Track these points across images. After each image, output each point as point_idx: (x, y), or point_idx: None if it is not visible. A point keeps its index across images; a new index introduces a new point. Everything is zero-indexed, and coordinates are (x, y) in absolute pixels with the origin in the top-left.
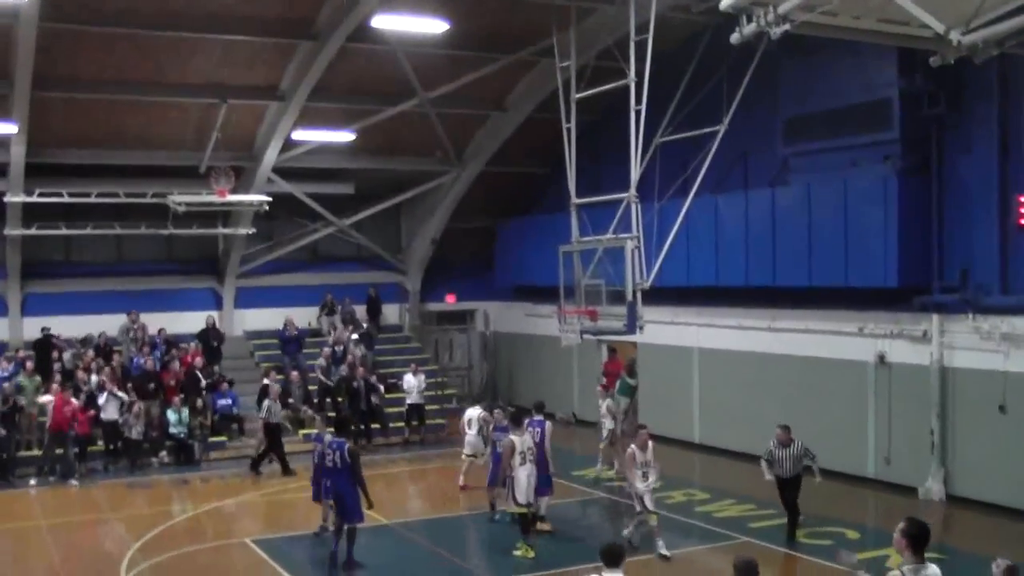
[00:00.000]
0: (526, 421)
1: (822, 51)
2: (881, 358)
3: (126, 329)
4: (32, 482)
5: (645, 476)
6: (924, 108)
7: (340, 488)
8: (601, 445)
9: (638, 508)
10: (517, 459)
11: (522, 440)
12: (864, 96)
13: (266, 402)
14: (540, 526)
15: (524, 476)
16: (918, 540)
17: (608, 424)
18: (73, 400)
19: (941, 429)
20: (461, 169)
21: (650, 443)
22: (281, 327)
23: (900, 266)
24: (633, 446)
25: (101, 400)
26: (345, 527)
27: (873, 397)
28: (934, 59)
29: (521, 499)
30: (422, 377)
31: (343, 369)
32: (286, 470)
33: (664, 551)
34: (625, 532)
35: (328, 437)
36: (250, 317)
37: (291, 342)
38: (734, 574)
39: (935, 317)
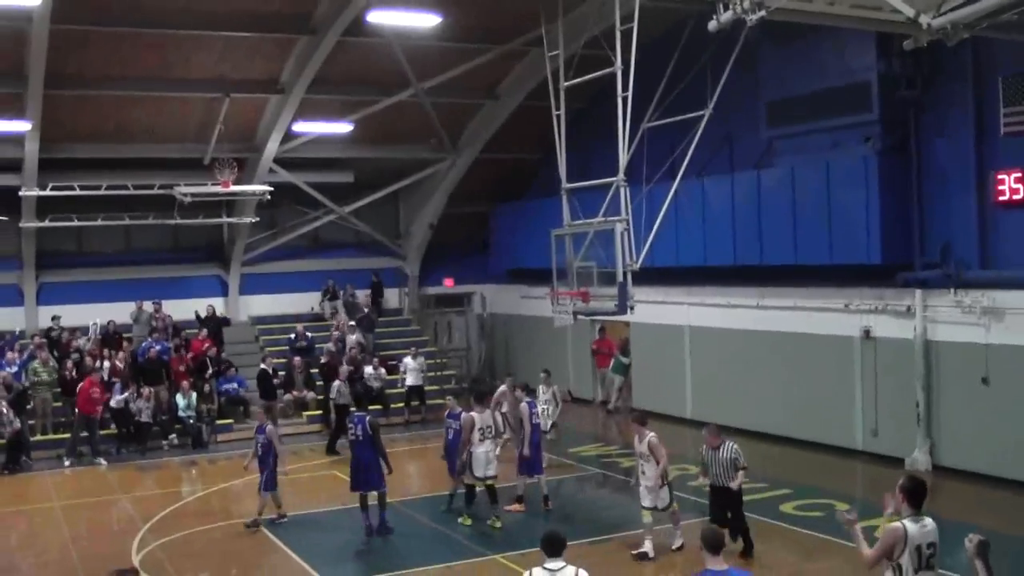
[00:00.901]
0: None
1: (803, 36)
2: (866, 333)
3: (149, 318)
4: (66, 463)
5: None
6: (902, 90)
7: (364, 459)
8: (549, 436)
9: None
10: (476, 435)
11: (482, 417)
12: (844, 79)
13: (336, 383)
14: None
15: (483, 452)
16: (913, 494)
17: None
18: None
19: (926, 401)
20: (456, 156)
21: (647, 435)
22: (292, 336)
23: (883, 243)
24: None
25: (117, 393)
26: (378, 494)
27: (859, 371)
28: (908, 42)
29: (479, 473)
30: (421, 359)
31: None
32: (331, 449)
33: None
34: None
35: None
36: (255, 303)
37: (301, 351)
38: (702, 544)
39: (918, 292)
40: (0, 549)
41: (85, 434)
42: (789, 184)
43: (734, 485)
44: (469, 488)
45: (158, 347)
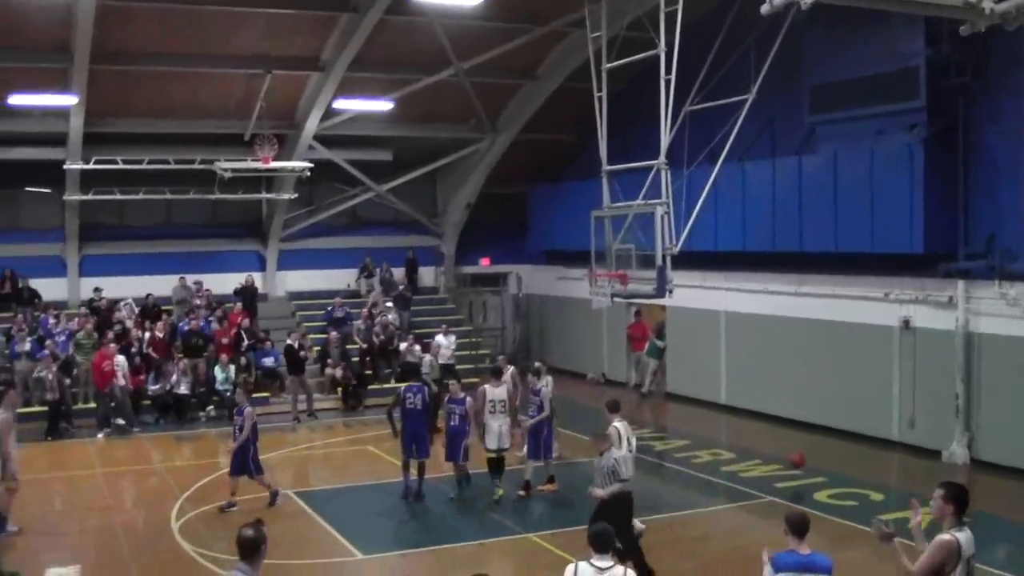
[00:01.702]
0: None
1: (849, 20)
2: (906, 323)
3: (193, 294)
4: (99, 436)
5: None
6: (951, 76)
7: (417, 428)
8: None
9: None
10: (488, 408)
11: (496, 391)
12: (891, 65)
13: (427, 358)
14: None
15: (496, 425)
16: (960, 501)
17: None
18: (119, 356)
19: (966, 393)
20: (495, 136)
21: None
22: (328, 308)
23: (925, 233)
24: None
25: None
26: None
27: (898, 361)
28: (964, 28)
29: (491, 445)
30: (452, 338)
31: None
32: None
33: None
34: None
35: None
36: (292, 279)
37: (338, 322)
38: (786, 526)
39: (960, 283)
40: (43, 514)
41: (112, 404)
42: (831, 170)
43: (602, 493)
44: (490, 461)
45: (199, 322)
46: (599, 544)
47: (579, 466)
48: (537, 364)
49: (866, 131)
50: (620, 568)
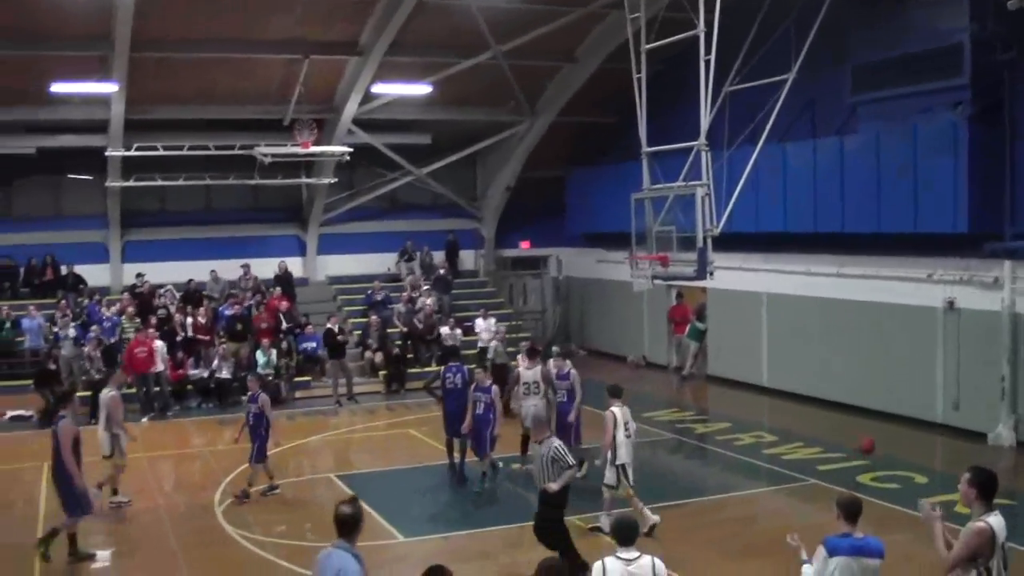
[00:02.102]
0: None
1: None
2: (950, 304)
3: (239, 279)
4: (143, 420)
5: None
6: (995, 53)
7: (458, 407)
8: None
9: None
10: (522, 389)
11: (530, 372)
12: (934, 42)
13: (493, 343)
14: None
15: (530, 405)
16: (986, 487)
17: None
18: (157, 342)
19: (1012, 376)
20: (533, 119)
21: (609, 408)
22: (368, 291)
23: (970, 212)
24: (614, 408)
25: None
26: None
27: (942, 343)
28: (1011, 2)
29: (527, 423)
30: (492, 320)
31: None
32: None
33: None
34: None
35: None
36: (332, 263)
37: (378, 305)
38: (837, 509)
39: (1007, 263)
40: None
41: (156, 389)
42: (873, 150)
43: (553, 486)
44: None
45: (240, 307)
46: (623, 536)
47: None
48: (555, 348)
49: (909, 110)
50: (647, 558)
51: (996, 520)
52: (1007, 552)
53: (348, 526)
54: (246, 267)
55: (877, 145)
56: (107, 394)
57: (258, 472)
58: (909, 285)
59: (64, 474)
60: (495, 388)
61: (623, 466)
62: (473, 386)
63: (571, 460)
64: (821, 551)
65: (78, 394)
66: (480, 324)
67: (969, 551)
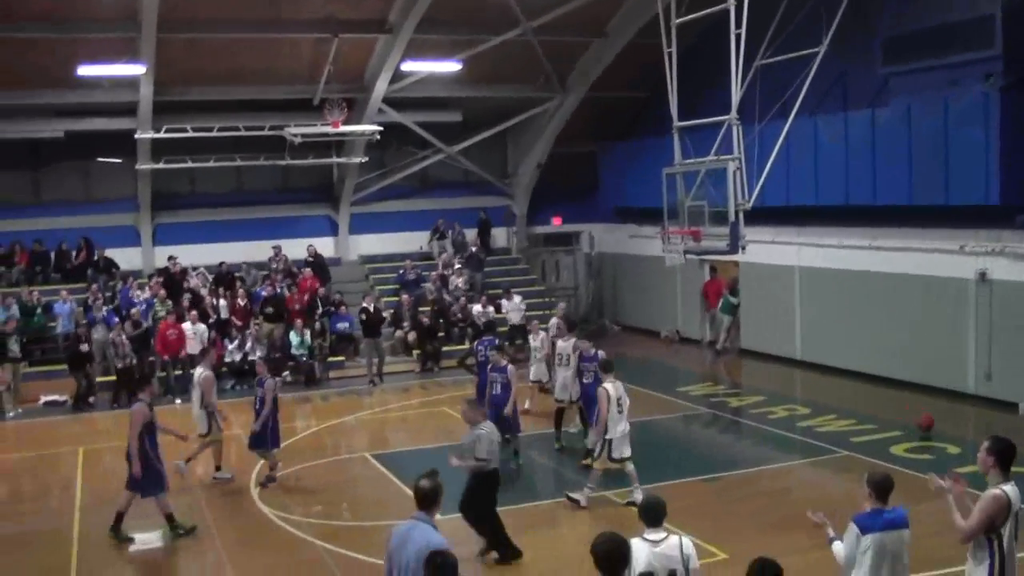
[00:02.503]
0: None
1: None
2: (982, 276)
3: (270, 260)
4: (177, 402)
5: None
6: None
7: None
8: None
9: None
10: (556, 360)
11: (563, 344)
12: (965, 14)
13: (553, 320)
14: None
15: (563, 376)
16: (1005, 457)
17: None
18: (199, 325)
19: None
20: (564, 95)
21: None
22: (400, 271)
23: (1002, 184)
24: (607, 384)
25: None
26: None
27: (974, 314)
28: None
29: (557, 395)
30: (517, 299)
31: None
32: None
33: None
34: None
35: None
36: (364, 242)
37: (410, 284)
38: (868, 488)
39: None
40: (122, 481)
41: (179, 372)
42: (905, 123)
43: (457, 462)
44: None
45: (273, 289)
46: (650, 517)
47: (652, 423)
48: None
49: (940, 82)
50: (675, 538)
51: (1012, 489)
52: (1020, 519)
53: (428, 499)
54: (277, 248)
55: (908, 117)
56: (200, 373)
57: (273, 456)
58: (941, 257)
59: (142, 453)
60: (511, 367)
61: (609, 441)
62: (489, 366)
63: (484, 455)
64: (853, 530)
65: (102, 379)
66: (507, 304)
67: (986, 518)
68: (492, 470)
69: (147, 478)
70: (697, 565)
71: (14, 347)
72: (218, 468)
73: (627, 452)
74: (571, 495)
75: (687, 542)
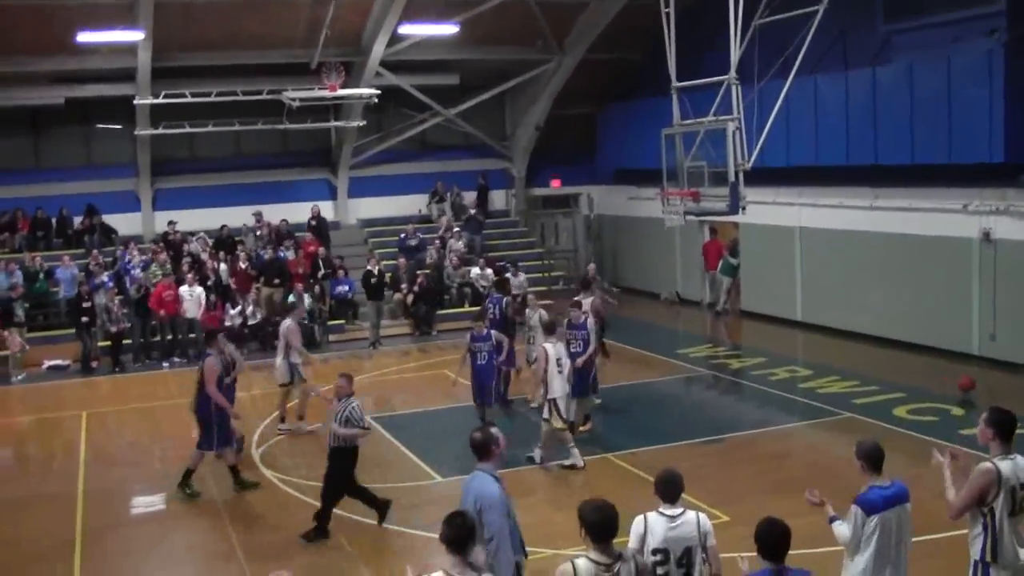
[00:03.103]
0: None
1: None
2: (986, 235)
3: (254, 229)
4: (164, 365)
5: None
6: None
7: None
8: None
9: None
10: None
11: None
12: None
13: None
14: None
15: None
16: (1003, 427)
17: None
18: (197, 288)
19: None
20: (562, 57)
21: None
22: (402, 235)
23: (1006, 141)
24: (546, 344)
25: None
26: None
27: (978, 274)
28: None
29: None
30: (522, 276)
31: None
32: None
33: (571, 461)
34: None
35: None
36: (364, 206)
37: (411, 250)
38: (859, 461)
39: None
40: (126, 444)
41: (191, 335)
42: (907, 81)
43: (336, 426)
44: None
45: (274, 253)
46: (668, 492)
47: (652, 385)
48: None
49: (943, 39)
50: (692, 514)
51: (1006, 463)
52: (1020, 498)
53: (479, 450)
54: (258, 215)
55: (911, 75)
56: (286, 324)
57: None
58: (944, 216)
59: (204, 408)
60: (495, 334)
61: (554, 400)
62: (470, 335)
63: (366, 423)
64: (857, 512)
65: (102, 344)
66: (513, 281)
67: (973, 493)
68: (354, 446)
69: (217, 431)
70: (714, 542)
71: (20, 312)
72: (300, 418)
73: (571, 416)
74: (529, 455)
75: (704, 518)
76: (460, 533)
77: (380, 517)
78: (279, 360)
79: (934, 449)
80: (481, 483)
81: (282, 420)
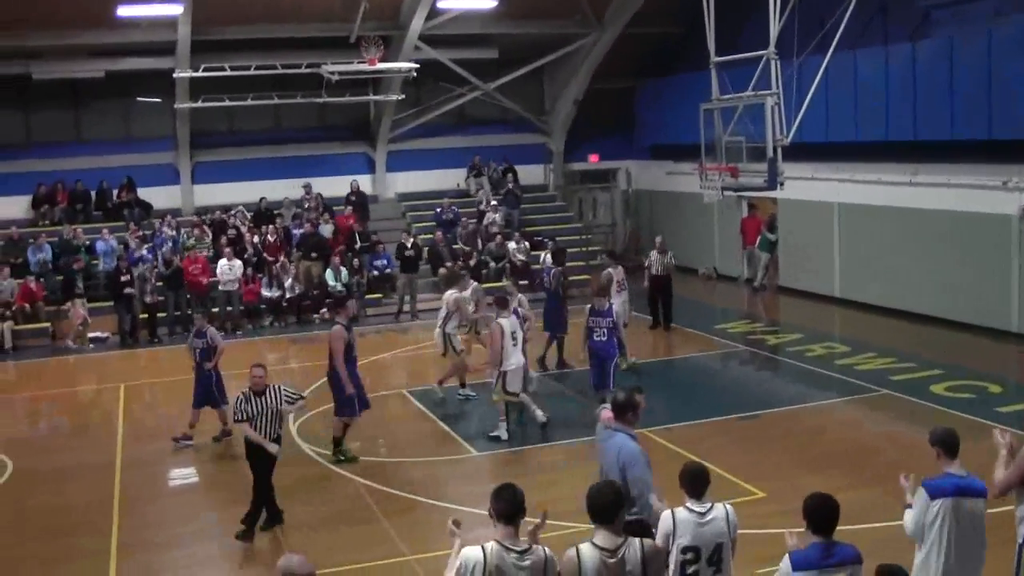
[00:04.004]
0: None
1: None
2: None
3: (302, 201)
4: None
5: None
6: None
7: (549, 305)
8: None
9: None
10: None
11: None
12: None
13: (652, 254)
14: None
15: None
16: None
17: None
18: (235, 261)
19: None
20: (601, 31)
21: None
22: (438, 209)
23: None
24: (501, 319)
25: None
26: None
27: (1017, 251)
28: None
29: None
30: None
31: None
32: (667, 318)
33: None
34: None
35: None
36: (401, 180)
37: (447, 224)
38: (935, 448)
39: None
40: (169, 415)
41: (228, 308)
42: (947, 56)
43: (273, 449)
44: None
45: (310, 226)
46: (695, 487)
47: (689, 360)
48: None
49: (983, 12)
50: (720, 508)
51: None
52: None
53: (619, 409)
54: (307, 187)
55: (951, 50)
56: (450, 295)
57: (195, 414)
58: (984, 193)
59: (335, 377)
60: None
61: (504, 373)
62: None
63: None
64: (921, 494)
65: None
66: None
67: (1019, 475)
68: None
69: (345, 399)
70: (737, 533)
71: (80, 285)
72: (463, 385)
73: (518, 387)
74: (491, 434)
75: (731, 510)
76: (510, 507)
77: (267, 520)
78: (436, 330)
79: (995, 431)
80: (623, 441)
81: (462, 385)
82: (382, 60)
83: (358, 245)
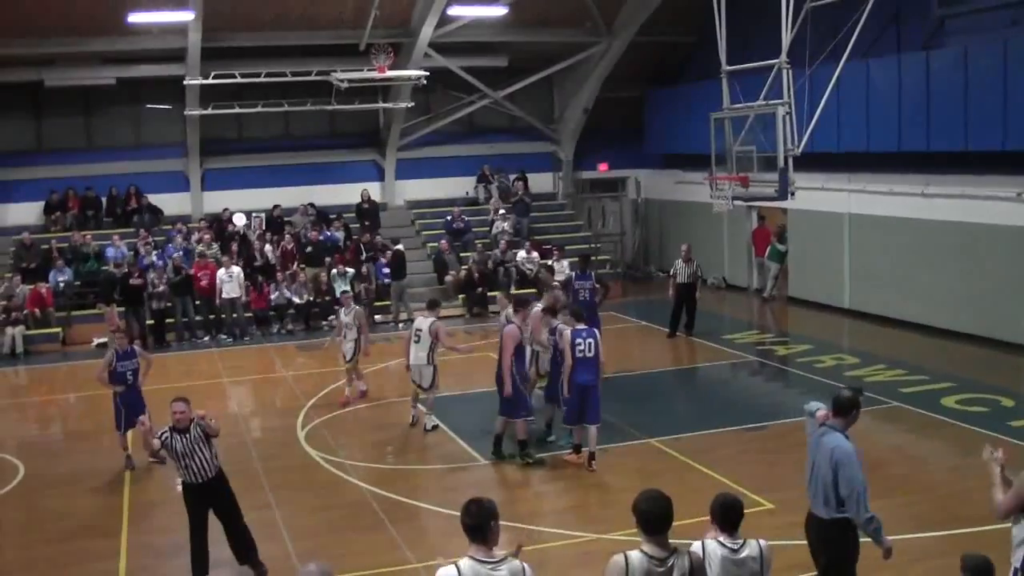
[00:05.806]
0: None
1: None
2: None
3: (303, 213)
4: (206, 338)
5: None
6: None
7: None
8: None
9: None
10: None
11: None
12: None
13: (678, 263)
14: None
15: None
16: (726, 517)
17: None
18: (234, 268)
19: None
20: (611, 39)
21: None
22: (448, 217)
23: None
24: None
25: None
26: None
27: None
28: None
29: None
30: (566, 263)
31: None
32: (689, 326)
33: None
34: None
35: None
36: (411, 187)
37: (458, 233)
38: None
39: None
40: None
41: (235, 315)
42: (961, 66)
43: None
44: None
45: (320, 234)
46: (726, 520)
47: (698, 371)
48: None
49: (998, 22)
50: (754, 544)
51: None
52: None
53: (843, 408)
54: (309, 205)
55: (965, 60)
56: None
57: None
58: (997, 204)
59: (500, 376)
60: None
61: (408, 367)
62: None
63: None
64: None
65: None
66: (557, 267)
67: (1021, 497)
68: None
69: (513, 400)
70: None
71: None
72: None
73: (419, 379)
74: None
75: (766, 546)
76: (478, 520)
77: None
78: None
79: (986, 444)
80: (838, 440)
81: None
82: (392, 68)
83: (364, 255)
